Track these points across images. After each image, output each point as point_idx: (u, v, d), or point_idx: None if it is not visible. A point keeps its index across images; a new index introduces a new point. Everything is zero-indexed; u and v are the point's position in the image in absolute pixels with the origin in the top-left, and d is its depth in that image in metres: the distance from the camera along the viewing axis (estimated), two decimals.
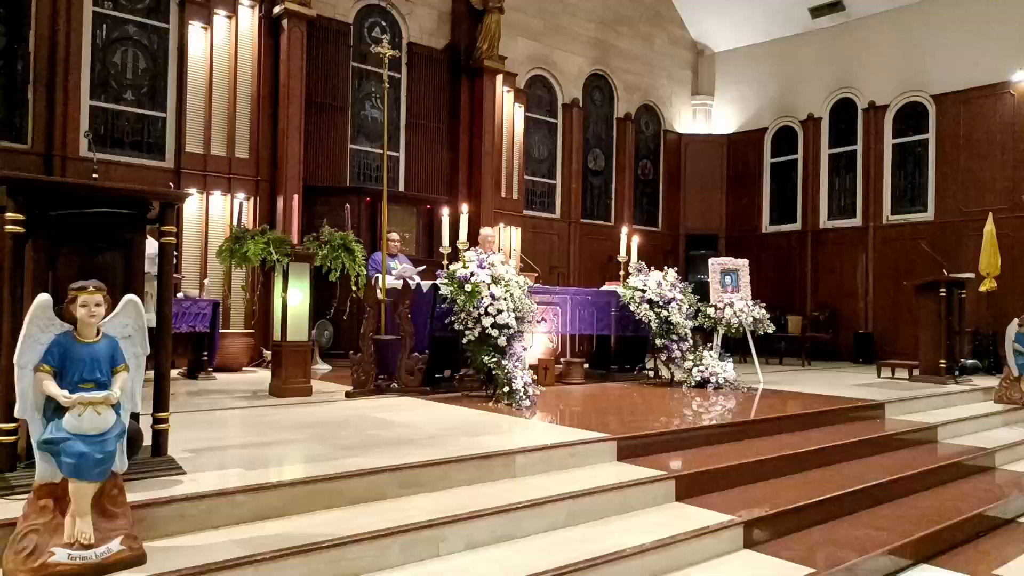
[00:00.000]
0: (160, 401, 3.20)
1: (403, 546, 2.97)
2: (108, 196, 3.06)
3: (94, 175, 3.13)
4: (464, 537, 3.14)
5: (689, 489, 4.02)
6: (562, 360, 7.64)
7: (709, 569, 3.39)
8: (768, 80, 13.70)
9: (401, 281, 6.40)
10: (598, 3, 12.96)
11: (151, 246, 3.47)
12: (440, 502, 3.35)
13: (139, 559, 2.47)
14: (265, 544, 2.73)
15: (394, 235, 7.99)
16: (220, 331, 7.95)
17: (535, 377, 6.02)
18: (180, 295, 7.52)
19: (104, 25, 8.19)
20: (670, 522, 3.61)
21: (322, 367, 8.46)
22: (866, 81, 12.43)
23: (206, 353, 7.26)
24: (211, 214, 8.44)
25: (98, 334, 2.51)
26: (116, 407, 2.49)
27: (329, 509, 3.17)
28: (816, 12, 12.82)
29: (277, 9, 8.80)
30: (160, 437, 3.21)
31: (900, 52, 12.04)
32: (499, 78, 10.97)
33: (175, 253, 7.62)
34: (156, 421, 3.20)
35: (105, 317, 2.56)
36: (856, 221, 12.48)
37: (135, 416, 3.10)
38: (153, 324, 3.14)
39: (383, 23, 10.32)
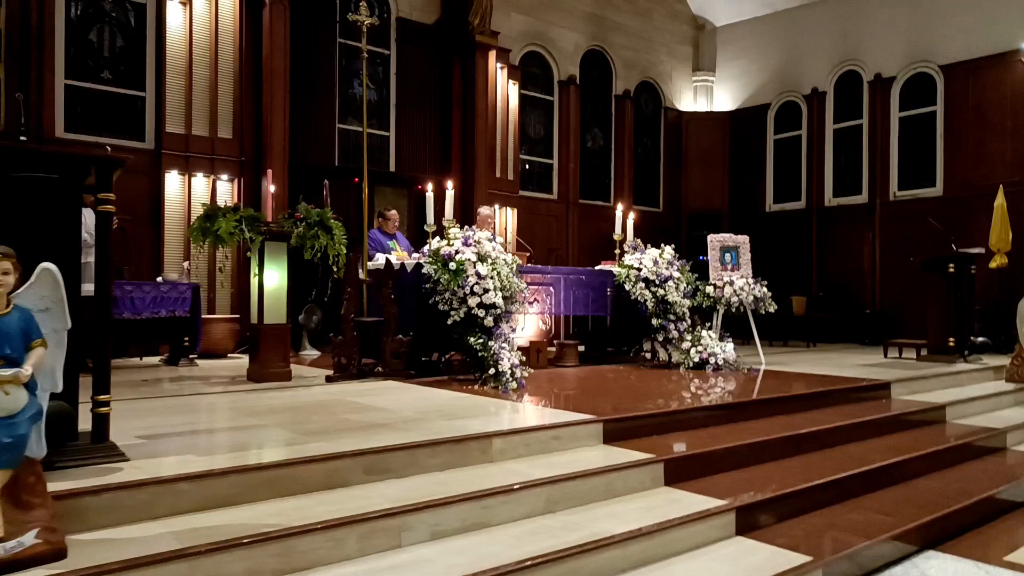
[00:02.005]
0: (100, 383, 2.97)
1: (361, 536, 2.73)
2: (37, 160, 2.81)
3: (22, 138, 2.87)
4: (430, 526, 2.90)
5: (679, 473, 3.78)
6: (555, 342, 7.40)
7: (698, 557, 3.15)
8: (771, 54, 13.31)
9: (383, 261, 6.16)
10: None
11: (90, 216, 3.22)
12: (408, 489, 3.11)
13: (58, 553, 2.23)
14: (208, 536, 2.49)
15: (394, 212, 7.71)
16: (205, 316, 7.76)
17: (524, 359, 5.78)
18: (160, 279, 7.31)
19: (78, 1, 7.91)
20: (657, 508, 3.37)
21: (311, 353, 8.23)
22: (872, 53, 12.04)
23: (187, 338, 7.04)
24: (193, 196, 8.18)
25: (9, 305, 2.27)
26: (30, 386, 2.25)
27: (284, 498, 2.94)
28: None
29: None
30: (101, 422, 2.97)
31: (907, 22, 11.64)
32: (492, 54, 10.64)
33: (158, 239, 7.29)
34: (96, 404, 2.97)
35: (20, 288, 2.32)
36: (862, 198, 12.13)
37: (70, 399, 2.88)
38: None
39: None
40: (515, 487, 3.20)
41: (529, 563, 2.72)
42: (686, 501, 3.48)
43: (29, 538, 2.18)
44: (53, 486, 2.51)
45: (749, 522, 3.44)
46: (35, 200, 2.81)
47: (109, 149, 2.71)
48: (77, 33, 7.88)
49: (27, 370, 2.23)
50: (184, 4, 8.25)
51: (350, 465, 3.17)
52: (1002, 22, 10.65)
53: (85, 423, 3.02)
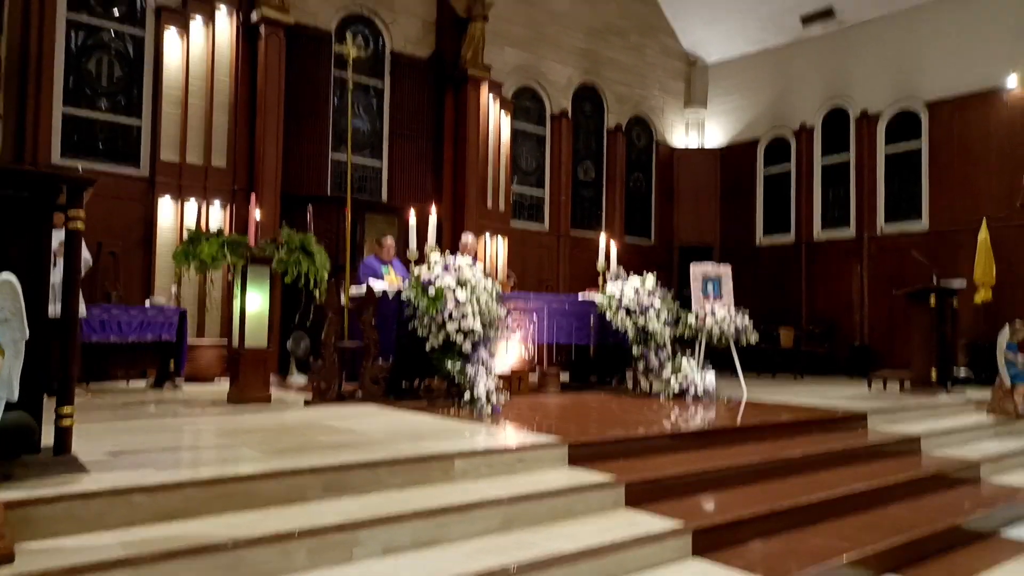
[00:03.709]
0: (64, 395, 3.03)
1: (312, 550, 2.77)
2: (9, 178, 2.92)
3: None
4: (382, 541, 2.94)
5: (641, 496, 3.80)
6: (538, 370, 7.44)
7: None
8: (761, 90, 13.56)
9: (364, 287, 6.24)
10: (587, 13, 12.89)
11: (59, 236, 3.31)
12: (366, 506, 3.15)
13: (4, 558, 2.28)
14: (158, 547, 2.53)
15: (390, 239, 7.81)
16: (193, 341, 7.84)
17: (500, 384, 5.83)
18: (148, 303, 7.41)
19: (79, 32, 8.14)
20: (615, 528, 3.40)
21: (298, 379, 8.29)
22: (858, 89, 12.27)
23: (173, 362, 7.11)
24: (185, 223, 8.30)
25: None
26: None
27: (240, 512, 2.98)
28: (807, 20, 12.69)
29: (255, 16, 8.73)
30: (63, 435, 3.03)
31: (892, 59, 11.88)
32: (484, 87, 10.87)
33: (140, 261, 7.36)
34: (59, 416, 3.03)
35: None
36: (850, 232, 12.24)
37: (33, 414, 2.94)
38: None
39: (366, 32, 10.26)
40: (471, 505, 3.24)
41: None
42: (644, 523, 3.51)
43: None
44: (6, 495, 2.56)
45: (706, 544, 3.47)
46: (5, 217, 2.91)
47: (80, 169, 2.81)
48: (76, 63, 8.10)
49: None
50: (181, 36, 8.49)
51: (309, 481, 3.21)
52: (985, 61, 10.85)
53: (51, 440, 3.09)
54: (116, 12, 8.39)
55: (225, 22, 8.73)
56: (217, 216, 8.56)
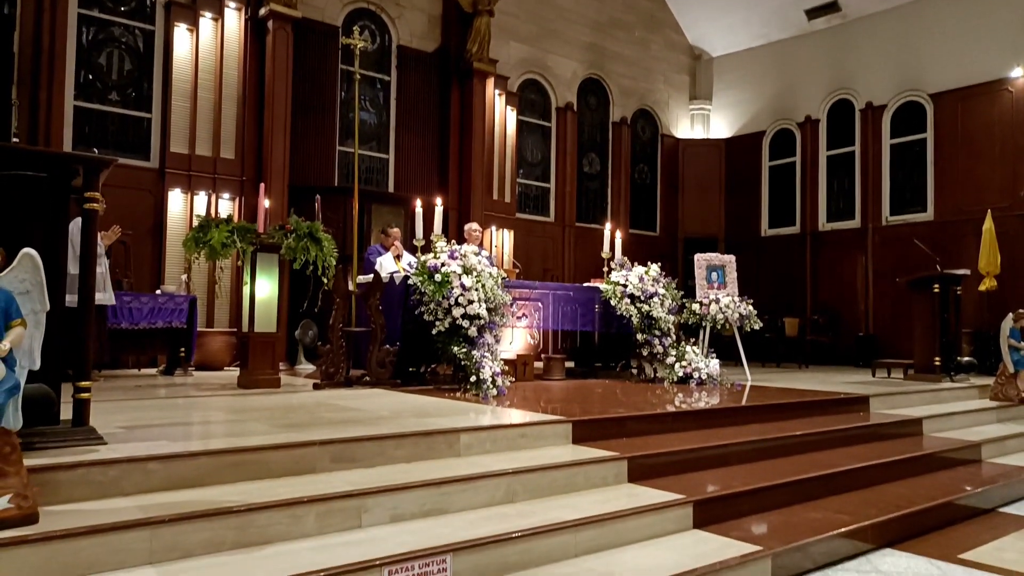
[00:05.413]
0: (82, 369, 3.13)
1: (320, 515, 2.86)
2: (28, 159, 3.01)
3: (14, 139, 3.08)
4: (389, 509, 3.03)
5: (643, 471, 3.89)
6: (543, 356, 7.52)
7: (650, 546, 3.26)
8: (765, 83, 13.59)
9: (383, 267, 6.34)
10: (592, 8, 12.95)
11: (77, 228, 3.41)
12: (372, 477, 3.24)
13: (29, 518, 2.38)
14: (172, 511, 2.63)
15: (396, 229, 7.91)
16: (203, 329, 7.96)
17: (507, 368, 5.92)
18: (159, 291, 7.52)
19: (90, 27, 8.27)
20: (616, 500, 3.49)
21: (306, 367, 8.40)
22: (863, 82, 12.29)
23: (183, 349, 7.22)
24: (195, 213, 8.41)
25: None
26: (8, 361, 2.42)
27: (251, 481, 3.08)
28: (812, 14, 12.72)
29: (263, 11, 8.83)
30: (81, 407, 3.13)
31: (896, 52, 11.90)
32: (490, 81, 10.94)
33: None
34: (77, 390, 3.13)
35: (3, 272, 2.51)
36: (855, 223, 12.28)
37: (53, 388, 3.04)
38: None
39: (372, 26, 10.36)
40: (475, 476, 3.33)
41: (483, 542, 2.85)
42: (646, 495, 3.59)
43: (2, 503, 2.33)
44: (29, 462, 2.66)
45: (707, 516, 3.55)
46: (25, 198, 3.01)
47: (96, 152, 2.91)
48: (88, 57, 8.22)
49: (5, 345, 2.40)
50: (191, 30, 8.60)
51: (317, 453, 3.30)
52: (989, 52, 10.86)
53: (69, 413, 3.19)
54: (126, 7, 8.50)
55: (234, 17, 8.83)
56: (226, 206, 8.67)
